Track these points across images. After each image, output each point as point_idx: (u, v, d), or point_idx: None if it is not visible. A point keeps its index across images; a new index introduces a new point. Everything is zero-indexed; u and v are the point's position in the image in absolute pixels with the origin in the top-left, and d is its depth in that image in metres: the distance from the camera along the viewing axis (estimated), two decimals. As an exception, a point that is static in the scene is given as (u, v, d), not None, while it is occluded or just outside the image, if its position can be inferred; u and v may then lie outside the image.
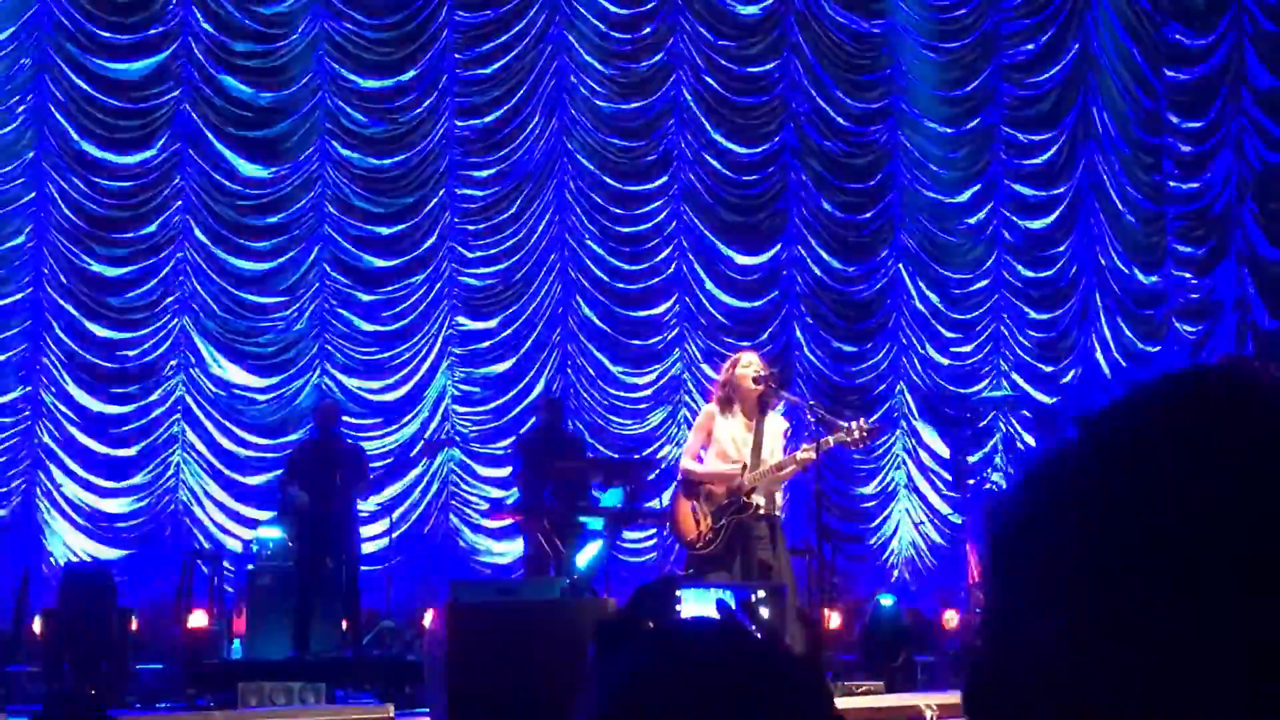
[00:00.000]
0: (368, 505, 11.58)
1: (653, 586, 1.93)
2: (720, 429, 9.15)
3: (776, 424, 9.25)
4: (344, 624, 10.70)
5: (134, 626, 11.06)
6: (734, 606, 1.98)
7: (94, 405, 12.15)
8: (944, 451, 13.03)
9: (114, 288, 12.32)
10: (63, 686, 9.97)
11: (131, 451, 12.24)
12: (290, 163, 12.80)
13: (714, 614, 1.94)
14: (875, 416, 13.86)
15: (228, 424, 12.48)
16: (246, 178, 12.70)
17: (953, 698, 7.78)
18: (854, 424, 8.99)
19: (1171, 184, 15.28)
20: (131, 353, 12.30)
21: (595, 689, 1.29)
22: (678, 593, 1.90)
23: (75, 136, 12.22)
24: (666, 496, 10.27)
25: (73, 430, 12.06)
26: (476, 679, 7.02)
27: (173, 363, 12.39)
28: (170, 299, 12.43)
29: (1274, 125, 15.51)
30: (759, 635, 1.38)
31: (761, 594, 7.93)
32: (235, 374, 12.56)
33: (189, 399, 12.40)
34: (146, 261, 12.40)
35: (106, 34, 12.33)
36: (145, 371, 12.32)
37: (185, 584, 11.65)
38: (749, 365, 9.16)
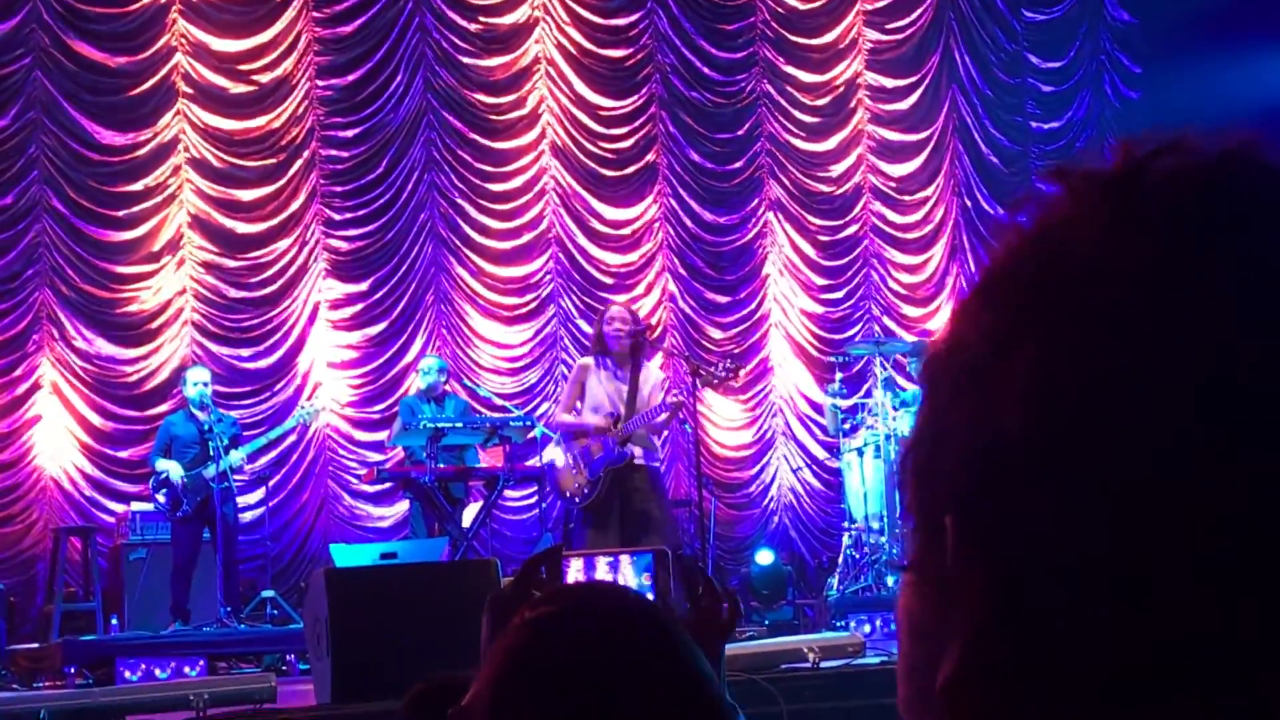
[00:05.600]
0: (242, 474, 11.41)
1: (540, 557, 1.93)
2: (594, 382, 9.18)
3: (651, 375, 9.32)
4: (223, 595, 10.57)
5: (7, 607, 10.86)
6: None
7: (-45, 383, 11.83)
8: (819, 398, 13.14)
9: (-30, 262, 11.99)
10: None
11: (-3, 429, 11.95)
12: (148, 128, 12.52)
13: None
14: (750, 366, 13.96)
15: (96, 397, 12.22)
16: (104, 145, 12.40)
17: (833, 639, 7.87)
18: (719, 364, 9.55)
19: (1034, 124, 15.51)
20: (-9, 328, 11.99)
21: (491, 655, 1.29)
22: (566, 560, 1.90)
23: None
24: (546, 454, 10.27)
25: (-66, 410, 11.75)
26: (360, 644, 6.97)
27: (35, 337, 12.10)
28: (30, 271, 12.13)
29: (1132, 63, 15.77)
30: (644, 596, 1.38)
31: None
32: (101, 346, 12.29)
33: (54, 372, 12.13)
34: (4, 234, 12.07)
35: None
36: (8, 346, 12.01)
37: (58, 562, 11.45)
38: (621, 318, 9.21)
